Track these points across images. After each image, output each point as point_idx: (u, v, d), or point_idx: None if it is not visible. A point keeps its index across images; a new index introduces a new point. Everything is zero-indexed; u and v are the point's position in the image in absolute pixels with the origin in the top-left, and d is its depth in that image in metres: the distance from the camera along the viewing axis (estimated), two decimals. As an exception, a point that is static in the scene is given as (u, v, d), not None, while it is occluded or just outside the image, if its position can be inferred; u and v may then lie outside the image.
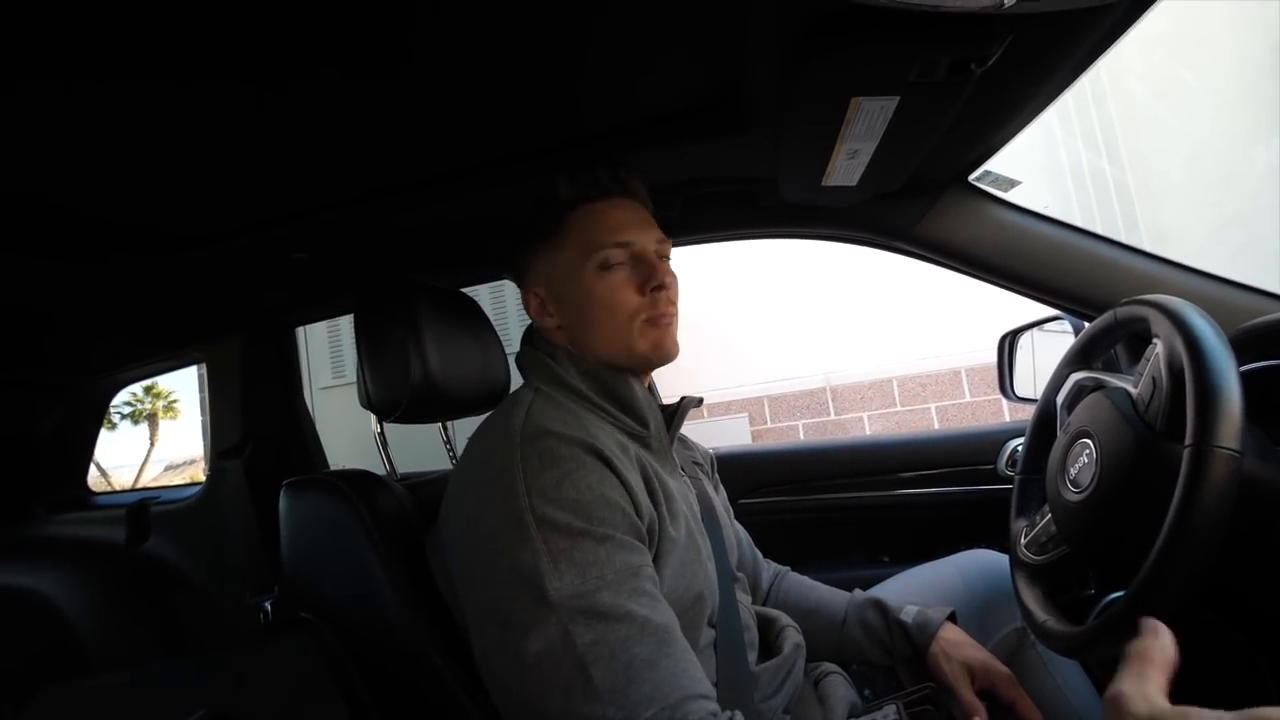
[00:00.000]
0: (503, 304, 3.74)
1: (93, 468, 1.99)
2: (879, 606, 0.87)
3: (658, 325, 0.74)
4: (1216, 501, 0.51)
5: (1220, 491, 0.51)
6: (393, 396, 0.84)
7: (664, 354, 0.75)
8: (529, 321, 0.83)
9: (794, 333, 4.19)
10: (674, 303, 0.77)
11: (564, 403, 0.71)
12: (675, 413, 0.79)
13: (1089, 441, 0.67)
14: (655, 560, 0.64)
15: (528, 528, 0.58)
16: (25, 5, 0.48)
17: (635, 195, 0.80)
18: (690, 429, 1.06)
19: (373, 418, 0.94)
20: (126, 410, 14.56)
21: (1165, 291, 0.68)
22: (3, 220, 0.81)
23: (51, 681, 0.93)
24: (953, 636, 0.81)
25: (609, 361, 0.75)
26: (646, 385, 0.79)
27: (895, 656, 0.85)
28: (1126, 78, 4.03)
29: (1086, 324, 0.80)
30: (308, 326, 2.12)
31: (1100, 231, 0.99)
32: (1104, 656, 0.70)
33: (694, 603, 0.67)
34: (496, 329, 0.97)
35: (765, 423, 4.22)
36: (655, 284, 0.73)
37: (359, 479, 0.86)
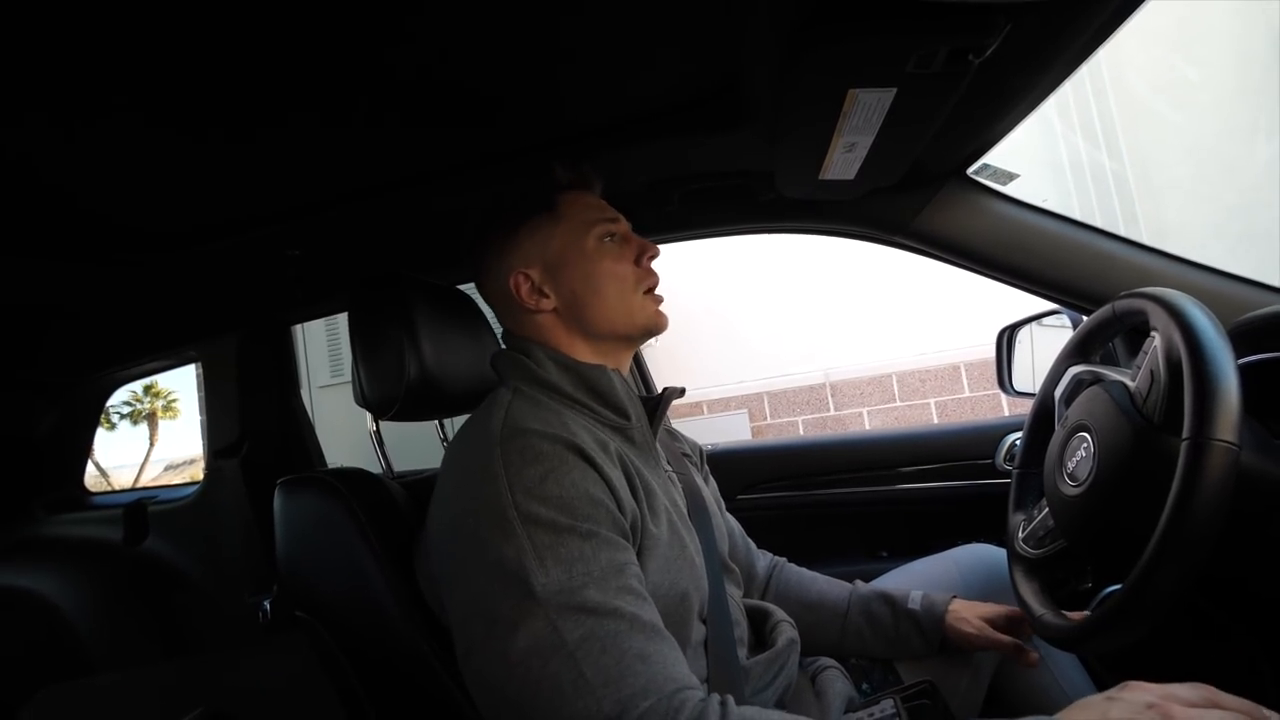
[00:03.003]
0: (501, 301, 3.72)
1: (93, 468, 1.98)
2: (887, 600, 0.88)
3: (655, 300, 0.79)
4: (1214, 495, 0.50)
5: (1218, 485, 0.50)
6: (388, 394, 0.84)
7: (660, 325, 0.79)
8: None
9: (793, 328, 4.19)
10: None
11: (542, 400, 0.70)
12: (658, 404, 0.79)
13: (1086, 435, 0.67)
14: (638, 556, 0.63)
15: (512, 524, 0.57)
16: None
17: (599, 194, 0.84)
18: (690, 425, 1.06)
19: (368, 415, 0.94)
20: (126, 410, 14.56)
21: (1163, 284, 0.68)
22: (1, 219, 0.80)
23: (51, 681, 0.93)
24: (962, 607, 0.84)
25: (609, 332, 0.76)
26: (628, 371, 0.80)
27: (898, 648, 0.86)
28: (1127, 71, 4.01)
29: (1084, 318, 0.80)
30: (306, 325, 2.12)
31: (1100, 225, 0.98)
32: (1101, 650, 0.70)
33: (680, 600, 0.67)
34: (494, 325, 0.97)
35: (765, 419, 4.22)
36: (650, 254, 0.79)
37: (353, 477, 0.86)
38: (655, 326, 0.79)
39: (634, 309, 0.77)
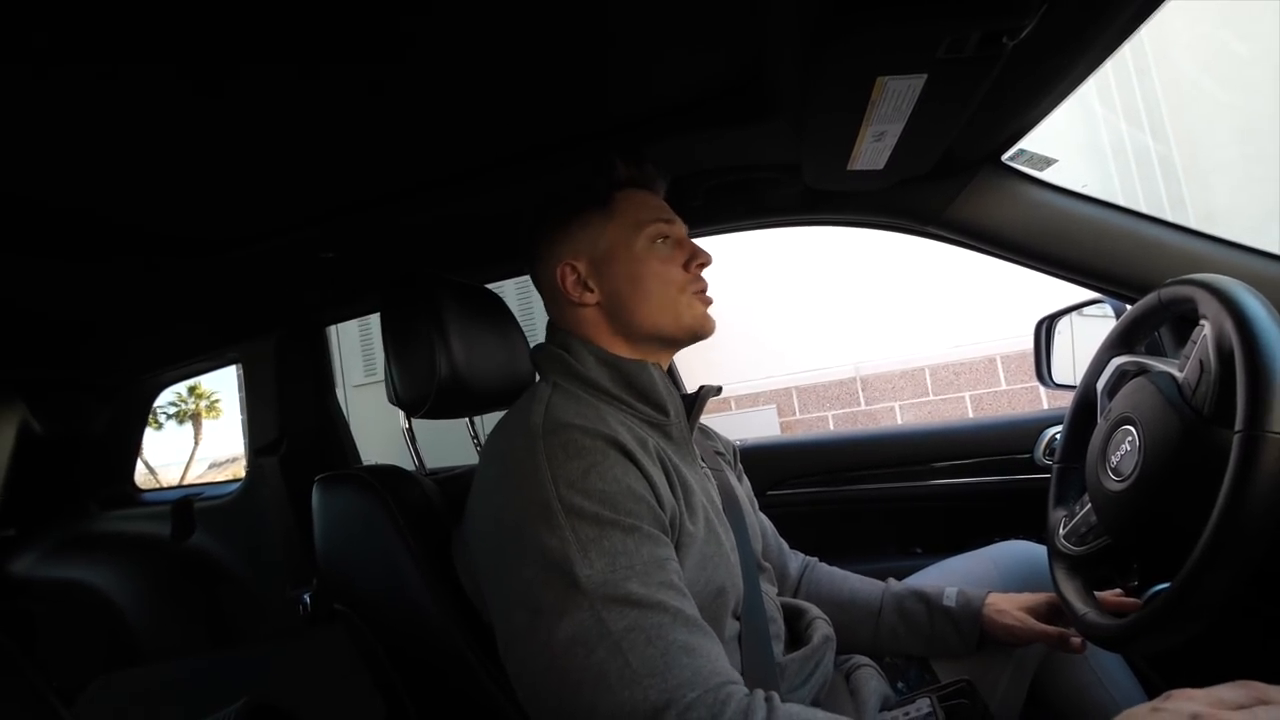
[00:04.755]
0: (529, 299, 3.75)
1: (142, 465, 2.06)
2: (921, 597, 0.86)
3: (704, 301, 0.78)
4: (1269, 489, 0.49)
5: (1273, 478, 0.48)
6: (420, 392, 0.85)
7: (707, 329, 0.78)
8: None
9: (822, 322, 4.13)
10: None
11: (581, 396, 0.71)
12: (694, 402, 0.79)
13: (1132, 428, 0.65)
14: (676, 552, 0.63)
15: (555, 515, 0.58)
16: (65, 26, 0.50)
17: (662, 195, 0.83)
18: (717, 421, 1.05)
19: (401, 414, 0.96)
20: (172, 410, 15.14)
21: (1212, 271, 0.65)
22: (49, 229, 0.84)
23: (105, 669, 0.98)
24: (1000, 600, 0.83)
25: (651, 332, 0.76)
26: (666, 369, 0.79)
27: (934, 647, 0.84)
28: (1171, 48, 3.85)
29: (1128, 307, 0.77)
30: (340, 326, 2.17)
31: (1144, 210, 0.94)
32: (1149, 650, 0.68)
33: (716, 596, 0.67)
34: (523, 324, 0.98)
35: (794, 414, 4.18)
36: (700, 261, 0.78)
37: (388, 474, 0.88)
38: (702, 329, 0.78)
39: (680, 310, 0.76)
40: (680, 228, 0.80)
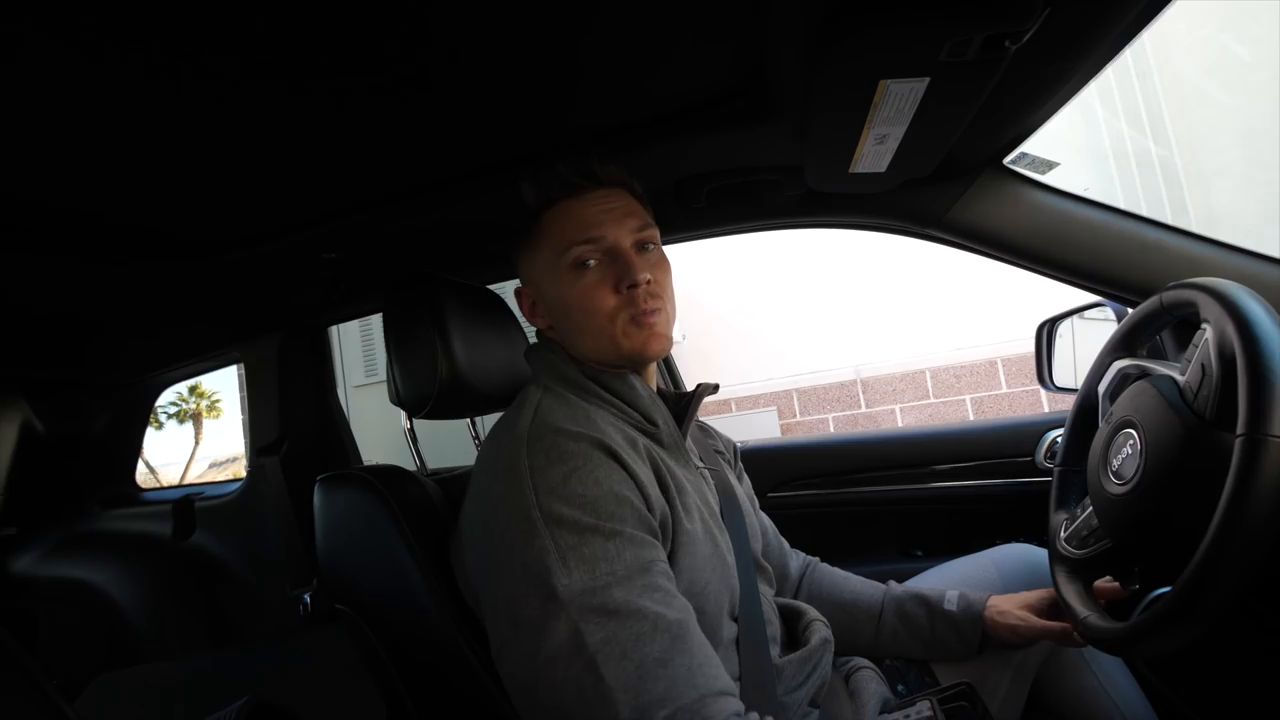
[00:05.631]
0: (530, 300, 3.76)
1: (142, 465, 2.06)
2: (922, 601, 0.86)
3: (641, 325, 0.71)
4: (1271, 493, 0.48)
5: (1275, 482, 0.48)
6: (421, 392, 0.86)
7: (650, 354, 0.72)
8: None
9: (823, 324, 4.14)
10: (659, 295, 0.72)
11: (572, 399, 0.70)
12: (689, 403, 0.78)
13: (1133, 431, 0.65)
14: (671, 554, 0.63)
15: (535, 524, 0.57)
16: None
17: (613, 184, 0.76)
18: (717, 423, 1.05)
19: (402, 414, 0.96)
20: (173, 410, 15.17)
21: (1214, 274, 0.65)
22: (53, 228, 0.84)
23: (105, 668, 0.98)
24: (1001, 601, 0.83)
25: (601, 360, 0.74)
26: (651, 380, 0.78)
27: (935, 650, 0.84)
28: (1173, 52, 3.86)
29: (1129, 310, 0.77)
30: (341, 327, 2.18)
31: (1145, 214, 0.95)
32: (1150, 654, 0.68)
33: (712, 598, 0.67)
34: (524, 324, 0.98)
35: (794, 416, 4.18)
36: (629, 282, 0.70)
37: (390, 474, 0.88)
38: (643, 355, 0.71)
39: (615, 339, 0.71)
40: (613, 235, 0.71)
